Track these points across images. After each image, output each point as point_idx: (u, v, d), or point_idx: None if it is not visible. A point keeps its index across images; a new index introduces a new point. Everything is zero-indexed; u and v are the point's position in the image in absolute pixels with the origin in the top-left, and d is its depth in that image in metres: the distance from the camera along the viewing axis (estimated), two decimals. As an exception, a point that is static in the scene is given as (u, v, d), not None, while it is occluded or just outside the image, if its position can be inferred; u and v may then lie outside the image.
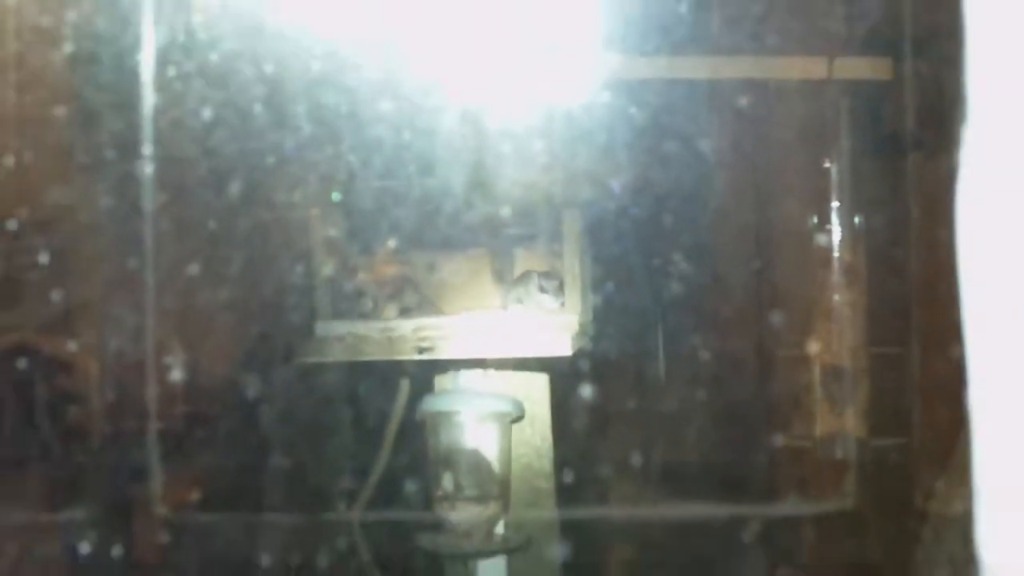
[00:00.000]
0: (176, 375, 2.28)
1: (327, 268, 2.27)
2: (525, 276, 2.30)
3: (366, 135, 2.15)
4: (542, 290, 2.26)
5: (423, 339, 2.21)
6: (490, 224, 2.27)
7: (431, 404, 2.27)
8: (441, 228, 2.20)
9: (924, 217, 2.56)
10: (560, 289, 2.25)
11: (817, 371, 2.80)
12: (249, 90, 2.09)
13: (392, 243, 2.23)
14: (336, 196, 2.21)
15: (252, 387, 2.34)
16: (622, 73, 2.45)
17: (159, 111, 2.03)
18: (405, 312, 2.29)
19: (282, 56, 2.08)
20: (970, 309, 1.23)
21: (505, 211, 2.22)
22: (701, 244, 2.70)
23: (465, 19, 2.14)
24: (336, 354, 2.25)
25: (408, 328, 2.23)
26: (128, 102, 2.04)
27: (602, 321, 2.29)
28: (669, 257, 2.54)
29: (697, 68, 2.67)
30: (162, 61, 2.05)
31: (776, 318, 2.82)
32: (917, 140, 2.63)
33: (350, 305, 2.27)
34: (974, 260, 1.25)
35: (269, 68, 2.08)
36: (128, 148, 2.07)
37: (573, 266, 2.25)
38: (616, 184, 2.33)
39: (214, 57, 2.08)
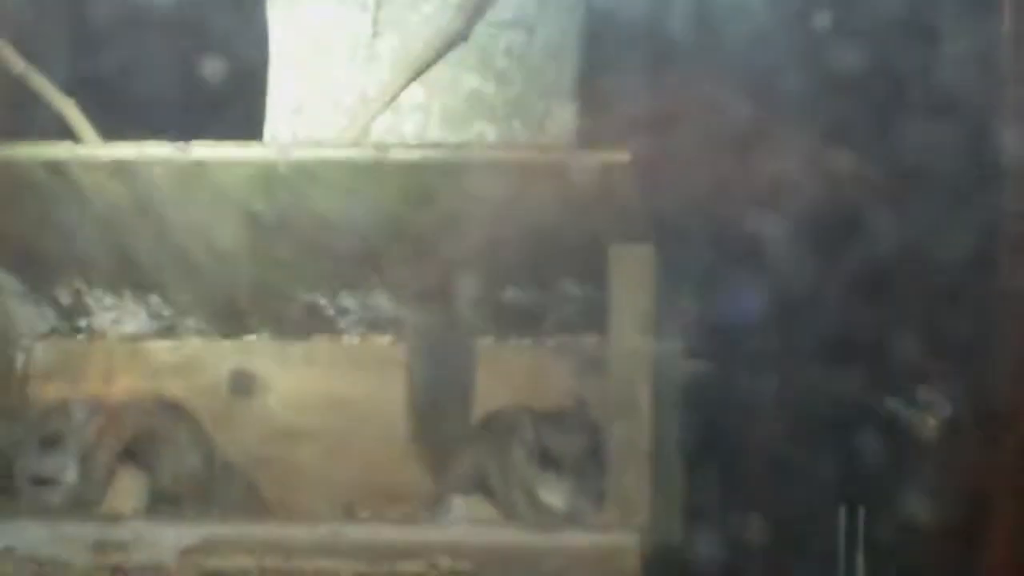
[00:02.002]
0: None
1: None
2: (495, 421, 1.16)
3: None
4: (542, 463, 1.12)
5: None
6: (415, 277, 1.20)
7: None
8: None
9: None
10: (590, 463, 1.12)
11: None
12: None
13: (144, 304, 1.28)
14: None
15: None
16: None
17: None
18: (165, 499, 1.18)
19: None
20: None
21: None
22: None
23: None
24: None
25: (168, 537, 1.13)
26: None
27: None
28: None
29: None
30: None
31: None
32: None
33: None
34: None
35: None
36: None
37: (632, 402, 1.12)
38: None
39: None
